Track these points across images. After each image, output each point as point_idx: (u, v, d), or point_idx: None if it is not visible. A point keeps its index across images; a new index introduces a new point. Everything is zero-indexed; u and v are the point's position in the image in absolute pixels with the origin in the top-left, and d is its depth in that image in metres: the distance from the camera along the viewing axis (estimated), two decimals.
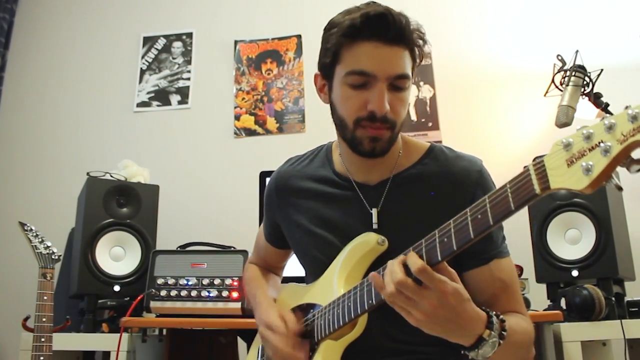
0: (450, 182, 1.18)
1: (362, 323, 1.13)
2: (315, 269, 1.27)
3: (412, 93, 2.83)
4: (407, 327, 0.99)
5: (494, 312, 0.98)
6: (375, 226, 1.19)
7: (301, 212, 1.30)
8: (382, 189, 1.22)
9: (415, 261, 0.91)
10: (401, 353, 1.17)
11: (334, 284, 1.17)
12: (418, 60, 1.17)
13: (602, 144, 0.70)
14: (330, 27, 1.17)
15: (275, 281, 1.50)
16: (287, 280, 1.55)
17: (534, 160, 0.80)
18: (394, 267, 0.93)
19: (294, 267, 1.58)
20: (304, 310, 1.24)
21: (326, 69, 1.19)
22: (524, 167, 0.81)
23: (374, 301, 1.02)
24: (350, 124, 1.15)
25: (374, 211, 1.20)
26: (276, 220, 1.38)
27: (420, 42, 1.16)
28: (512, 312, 1.12)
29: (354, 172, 1.26)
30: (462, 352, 0.97)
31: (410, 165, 1.23)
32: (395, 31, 1.10)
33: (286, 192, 1.33)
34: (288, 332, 1.16)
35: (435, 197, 1.18)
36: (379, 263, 1.08)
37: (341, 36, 1.13)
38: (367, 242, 1.16)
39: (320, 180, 1.30)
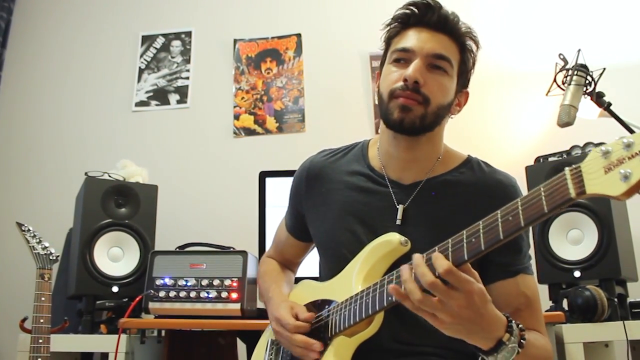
0: (483, 193, 1.21)
1: (378, 321, 1.13)
2: (335, 263, 1.27)
3: None
4: (418, 330, 1.00)
5: (514, 320, 0.98)
6: (398, 222, 1.21)
7: (329, 204, 1.31)
8: (414, 189, 1.25)
9: (441, 262, 0.90)
10: (411, 355, 1.17)
11: (353, 280, 1.17)
12: (469, 63, 1.25)
13: None
14: (389, 19, 1.28)
15: (290, 278, 1.50)
16: (300, 280, 1.54)
17: (570, 167, 0.80)
18: (420, 269, 0.92)
19: (307, 267, 1.59)
20: (318, 306, 1.24)
21: (382, 60, 1.30)
22: (560, 172, 0.81)
23: (393, 298, 1.01)
24: (386, 97, 1.21)
25: (400, 207, 1.22)
26: (302, 210, 1.38)
27: (470, 41, 1.24)
28: (533, 330, 1.12)
29: (389, 169, 1.28)
30: (480, 357, 0.97)
31: (446, 172, 1.26)
32: (438, 18, 1.20)
33: (318, 181, 1.35)
34: (298, 324, 1.16)
35: (463, 203, 1.20)
36: (399, 263, 1.07)
37: (393, 26, 1.26)
38: (390, 242, 1.16)
39: (353, 174, 1.31)
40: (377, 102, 1.29)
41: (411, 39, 1.21)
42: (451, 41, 1.22)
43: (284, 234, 1.49)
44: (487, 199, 1.18)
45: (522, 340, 0.96)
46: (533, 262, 2.02)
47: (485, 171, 1.26)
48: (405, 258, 1.10)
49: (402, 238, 1.15)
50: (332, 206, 1.30)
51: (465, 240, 0.92)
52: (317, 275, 1.41)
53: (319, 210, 1.33)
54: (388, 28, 1.27)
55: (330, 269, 1.30)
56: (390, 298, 1.02)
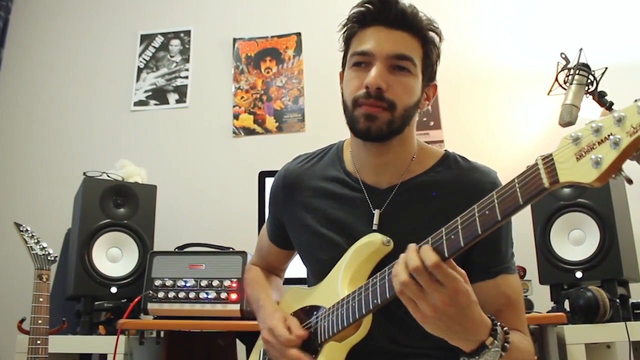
0: (461, 193, 1.17)
1: (367, 324, 1.11)
2: (319, 270, 1.25)
3: None
4: (411, 331, 0.98)
5: (499, 323, 0.97)
6: (375, 227, 1.19)
7: (308, 212, 1.28)
8: (389, 193, 1.22)
9: (429, 255, 0.89)
10: (404, 356, 1.16)
11: (338, 285, 1.15)
12: (433, 56, 1.20)
13: (611, 137, 0.70)
14: (345, 20, 1.23)
15: (278, 284, 1.48)
16: (288, 281, 1.53)
17: (542, 156, 0.80)
18: (409, 253, 0.91)
19: (295, 268, 1.57)
20: (307, 312, 1.23)
21: (343, 61, 1.26)
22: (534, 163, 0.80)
23: (379, 300, 1.00)
24: (350, 104, 1.18)
25: (377, 212, 1.20)
26: (281, 218, 1.36)
27: (432, 34, 1.19)
28: (514, 330, 1.10)
29: (364, 173, 1.25)
30: (462, 359, 0.95)
31: (422, 172, 1.23)
32: (397, 15, 1.15)
33: (294, 190, 1.32)
34: (291, 338, 1.15)
35: (441, 204, 1.17)
36: (383, 264, 1.07)
37: (350, 26, 1.21)
38: (372, 243, 1.14)
39: (329, 179, 1.29)
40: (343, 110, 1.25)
41: (369, 40, 1.16)
42: (412, 37, 1.16)
43: (266, 243, 1.46)
44: (465, 198, 1.11)
45: (505, 344, 0.95)
46: (534, 262, 2.06)
47: (463, 168, 1.22)
48: (389, 258, 1.10)
49: (384, 237, 1.13)
50: (310, 214, 1.28)
51: (444, 237, 0.90)
52: (306, 276, 1.41)
53: (297, 219, 1.30)
54: (344, 29, 1.23)
55: (313, 276, 1.29)
56: (375, 301, 1.01)
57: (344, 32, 1.23)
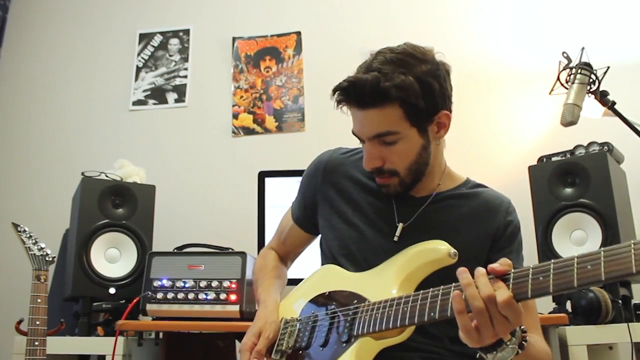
0: (483, 206, 1.29)
1: (410, 330, 1.11)
2: (345, 259, 1.29)
3: None
4: (421, 328, 1.02)
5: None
6: (396, 239, 1.25)
7: (345, 199, 1.34)
8: (422, 202, 1.29)
9: (504, 292, 0.90)
10: (416, 350, 1.17)
11: (390, 282, 1.15)
12: (421, 102, 1.17)
13: None
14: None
15: (283, 273, 1.51)
16: (288, 281, 1.52)
17: None
18: (483, 280, 0.93)
19: (295, 269, 1.58)
20: (345, 297, 1.22)
21: None
22: None
23: (436, 315, 1.00)
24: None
25: (400, 225, 1.27)
26: (314, 199, 1.40)
27: (407, 91, 1.15)
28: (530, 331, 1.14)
29: None
30: (478, 355, 0.97)
31: (450, 189, 1.33)
32: (360, 98, 1.17)
33: (335, 174, 1.38)
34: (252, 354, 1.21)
35: (466, 215, 1.27)
36: (441, 274, 1.09)
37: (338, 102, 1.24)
38: (437, 251, 1.14)
39: (369, 177, 1.33)
40: None
41: (354, 121, 1.24)
42: (386, 108, 1.17)
43: (288, 224, 1.50)
44: (487, 211, 1.28)
45: (523, 342, 0.97)
46: (535, 263, 2.05)
47: (484, 189, 1.34)
48: (447, 270, 1.09)
49: (452, 250, 1.13)
50: (346, 203, 1.33)
51: (530, 277, 0.89)
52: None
53: (332, 204, 1.36)
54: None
55: (340, 260, 1.31)
56: (433, 314, 1.00)
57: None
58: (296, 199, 1.49)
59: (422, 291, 1.05)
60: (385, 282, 1.15)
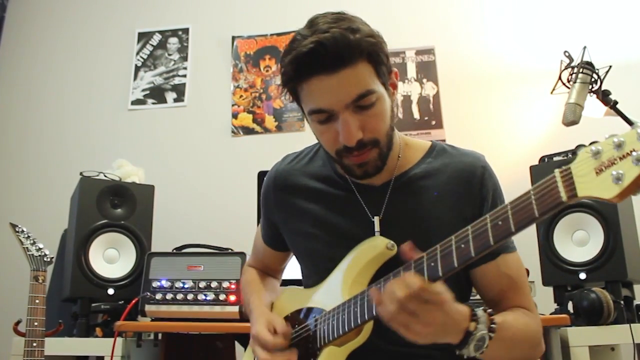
0: (455, 179, 1.17)
1: (368, 330, 1.10)
2: (315, 272, 1.24)
3: (415, 90, 2.79)
4: None
5: (482, 308, 0.98)
6: (377, 234, 1.17)
7: (301, 214, 1.26)
8: (384, 191, 1.19)
9: (413, 281, 0.89)
10: (403, 356, 1.15)
11: (339, 288, 1.14)
12: (383, 57, 1.09)
13: (634, 153, 0.69)
14: (280, 63, 1.12)
15: (274, 285, 1.46)
16: (286, 282, 1.51)
17: (560, 168, 0.77)
18: (393, 284, 0.91)
19: (293, 270, 1.55)
20: (305, 314, 1.21)
21: (297, 103, 1.16)
22: (551, 175, 0.78)
23: None
24: (334, 155, 1.14)
25: (376, 219, 1.18)
26: (274, 221, 1.34)
27: (373, 44, 1.07)
28: (519, 307, 1.12)
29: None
30: (457, 352, 0.96)
31: (413, 165, 1.21)
32: (332, 58, 1.03)
33: (285, 191, 1.29)
34: (276, 341, 1.13)
35: (439, 195, 1.17)
36: (386, 268, 1.07)
37: (287, 81, 1.11)
38: (375, 247, 1.13)
39: (321, 180, 1.26)
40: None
41: (318, 95, 1.06)
42: (358, 66, 1.05)
43: (261, 245, 1.44)
44: (460, 184, 1.17)
45: (492, 325, 0.96)
46: (537, 263, 2.04)
47: (452, 154, 1.21)
48: (392, 262, 1.08)
49: (389, 242, 1.11)
50: (304, 216, 1.25)
51: (454, 246, 0.90)
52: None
53: (291, 221, 1.29)
54: (283, 83, 1.12)
55: (310, 278, 1.27)
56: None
57: (284, 81, 1.12)
58: (261, 220, 1.41)
59: (366, 288, 1.06)
60: (337, 290, 1.14)
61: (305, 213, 1.25)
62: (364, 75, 1.06)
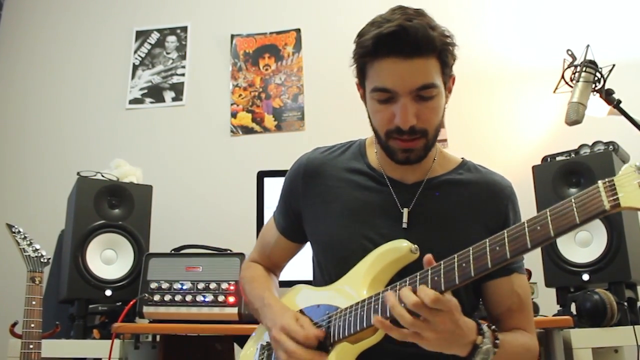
0: (484, 191, 1.25)
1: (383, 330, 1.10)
2: (336, 263, 1.25)
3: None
4: None
5: (486, 323, 1.04)
6: (404, 225, 1.21)
7: (330, 202, 1.29)
8: (415, 189, 1.25)
9: (427, 293, 0.95)
10: (408, 357, 1.15)
11: (358, 286, 1.16)
12: (450, 60, 1.19)
13: None
14: (357, 40, 1.20)
15: (276, 284, 1.46)
16: (286, 283, 1.50)
17: (603, 180, 0.84)
18: (407, 292, 0.98)
19: (293, 269, 1.55)
20: (316, 311, 1.21)
21: (360, 80, 1.24)
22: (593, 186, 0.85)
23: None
24: (382, 136, 1.21)
25: (405, 211, 1.23)
26: (297, 208, 1.34)
27: (446, 44, 1.17)
28: (519, 329, 1.19)
29: (389, 170, 1.28)
30: None
31: (445, 172, 1.29)
32: (411, 45, 1.11)
33: (316, 179, 1.32)
34: (309, 335, 1.13)
35: (468, 203, 1.24)
36: (407, 271, 1.09)
37: (361, 55, 1.18)
38: (399, 249, 1.15)
39: (353, 172, 1.30)
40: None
41: (388, 75, 1.14)
42: (429, 59, 1.14)
43: (273, 236, 1.43)
44: (488, 198, 1.25)
45: (496, 341, 1.02)
46: (539, 264, 2.03)
47: (482, 172, 1.30)
48: (414, 265, 1.11)
49: (412, 246, 1.13)
50: (332, 204, 1.28)
51: (488, 248, 0.94)
52: (308, 278, 1.39)
53: (318, 209, 1.30)
54: (357, 57, 1.20)
55: (331, 268, 1.27)
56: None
57: (356, 57, 1.20)
58: (278, 209, 1.42)
59: (390, 286, 1.08)
60: (356, 287, 1.16)
61: (334, 200, 1.28)
62: (432, 69, 1.14)
